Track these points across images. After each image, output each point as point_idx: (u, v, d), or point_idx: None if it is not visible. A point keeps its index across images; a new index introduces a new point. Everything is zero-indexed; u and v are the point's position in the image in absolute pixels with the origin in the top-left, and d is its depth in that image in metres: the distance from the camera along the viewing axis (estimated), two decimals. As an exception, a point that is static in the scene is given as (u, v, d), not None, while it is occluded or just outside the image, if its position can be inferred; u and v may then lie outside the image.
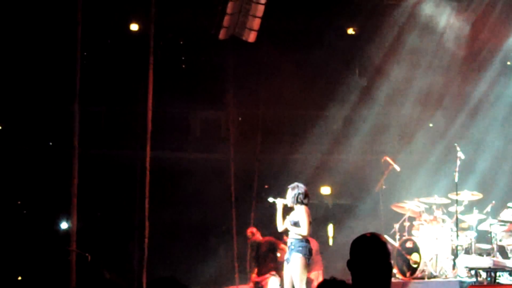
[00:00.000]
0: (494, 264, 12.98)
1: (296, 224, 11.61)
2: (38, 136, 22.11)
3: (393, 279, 13.59)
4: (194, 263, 15.23)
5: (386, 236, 14.17)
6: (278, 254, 15.29)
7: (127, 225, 20.66)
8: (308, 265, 11.61)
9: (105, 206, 21.17)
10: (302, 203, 11.69)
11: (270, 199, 12.11)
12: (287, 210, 11.91)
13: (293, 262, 11.49)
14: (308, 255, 11.47)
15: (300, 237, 11.53)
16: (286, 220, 11.85)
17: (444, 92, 19.91)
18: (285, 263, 11.80)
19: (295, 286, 11.43)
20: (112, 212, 21.12)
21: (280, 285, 14.99)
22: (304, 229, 11.51)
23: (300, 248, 11.45)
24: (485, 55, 19.00)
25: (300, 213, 11.64)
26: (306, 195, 11.77)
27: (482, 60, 18.98)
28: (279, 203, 11.90)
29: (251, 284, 15.42)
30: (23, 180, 20.71)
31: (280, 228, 12.05)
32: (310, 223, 11.64)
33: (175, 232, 20.23)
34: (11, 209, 20.76)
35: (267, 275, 15.20)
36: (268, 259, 15.17)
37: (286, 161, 21.57)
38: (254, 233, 15.48)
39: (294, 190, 11.78)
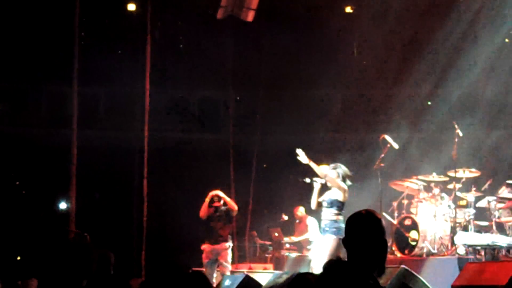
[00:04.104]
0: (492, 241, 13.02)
1: (332, 203, 11.53)
2: (37, 117, 22.11)
3: (391, 256, 13.70)
4: (193, 243, 15.23)
5: (384, 214, 14.32)
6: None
7: (125, 206, 20.69)
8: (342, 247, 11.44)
9: (103, 186, 21.17)
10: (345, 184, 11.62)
11: (307, 180, 11.97)
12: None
13: (325, 243, 11.42)
14: (342, 235, 11.33)
15: (335, 218, 11.44)
16: (321, 199, 11.76)
17: (442, 69, 19.90)
18: (313, 243, 11.79)
19: (319, 264, 11.33)
20: (111, 192, 21.13)
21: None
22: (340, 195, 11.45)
23: (334, 229, 11.34)
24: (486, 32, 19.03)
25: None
26: (348, 177, 11.72)
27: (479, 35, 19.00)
28: (318, 182, 11.76)
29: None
30: (22, 161, 20.72)
31: (314, 207, 11.97)
32: (344, 204, 11.59)
33: (173, 212, 20.23)
34: (10, 190, 20.78)
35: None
36: (223, 220, 14.98)
37: (286, 141, 21.57)
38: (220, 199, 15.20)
39: (337, 169, 11.68)
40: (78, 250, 4.85)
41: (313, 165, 11.72)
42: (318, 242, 11.75)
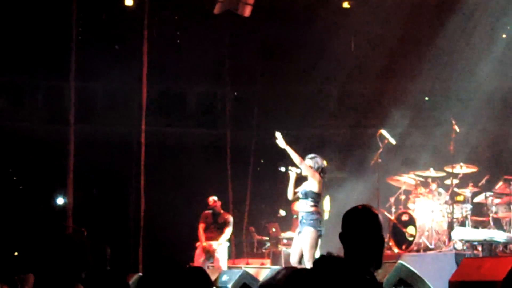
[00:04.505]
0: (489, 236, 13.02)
1: (307, 194, 11.52)
2: (34, 112, 22.08)
3: (389, 252, 13.70)
4: (190, 239, 15.25)
5: (381, 209, 14.32)
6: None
7: (122, 201, 20.68)
8: (320, 238, 11.46)
9: (101, 182, 21.16)
10: (320, 176, 11.59)
11: (282, 168, 11.93)
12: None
13: (304, 235, 11.40)
14: (320, 227, 11.36)
15: (311, 209, 11.43)
16: (297, 190, 11.73)
17: (439, 64, 19.90)
18: (295, 236, 11.78)
19: (304, 259, 11.34)
20: (108, 188, 21.12)
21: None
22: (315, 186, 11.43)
23: (312, 221, 11.33)
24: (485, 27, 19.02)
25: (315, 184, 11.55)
26: (324, 169, 11.69)
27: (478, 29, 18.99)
28: (293, 171, 11.73)
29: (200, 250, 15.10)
30: (19, 156, 20.70)
31: (290, 197, 11.95)
32: (320, 195, 11.59)
33: (170, 207, 20.23)
34: (7, 185, 20.76)
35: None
36: (218, 231, 15.02)
37: (283, 136, 21.53)
38: (216, 201, 15.29)
39: (314, 159, 11.65)
40: (75, 246, 4.85)
41: (289, 150, 11.71)
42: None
